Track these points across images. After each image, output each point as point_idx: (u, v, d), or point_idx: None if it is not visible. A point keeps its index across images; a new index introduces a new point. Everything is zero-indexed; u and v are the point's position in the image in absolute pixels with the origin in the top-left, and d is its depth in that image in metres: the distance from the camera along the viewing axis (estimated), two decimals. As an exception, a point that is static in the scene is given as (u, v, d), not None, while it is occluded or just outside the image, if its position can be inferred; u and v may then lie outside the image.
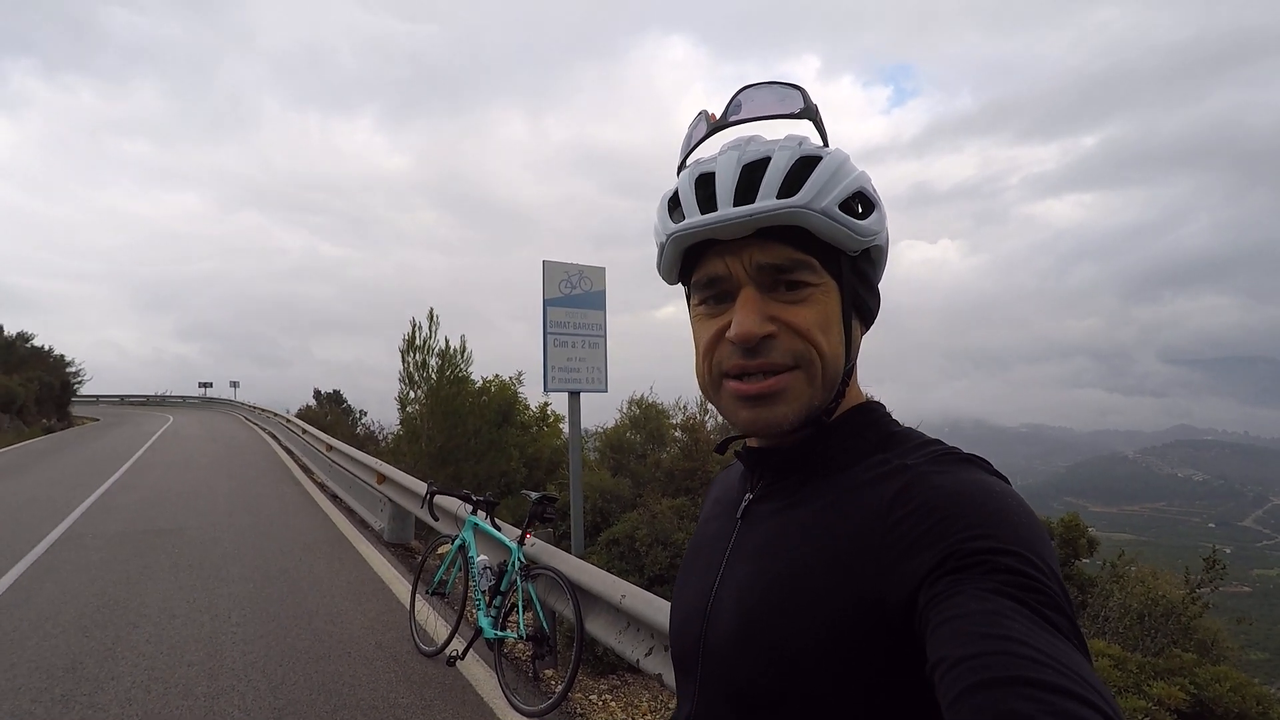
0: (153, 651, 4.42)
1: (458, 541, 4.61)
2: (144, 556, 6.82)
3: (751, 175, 0.69)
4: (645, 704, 4.22)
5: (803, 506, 0.72)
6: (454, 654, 4.27)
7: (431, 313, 12.71)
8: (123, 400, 49.70)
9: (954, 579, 0.56)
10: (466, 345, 12.70)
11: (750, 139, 0.73)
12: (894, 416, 0.78)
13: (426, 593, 4.78)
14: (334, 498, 10.59)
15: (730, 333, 0.69)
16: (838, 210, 0.69)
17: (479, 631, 4.21)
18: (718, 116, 0.76)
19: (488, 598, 4.24)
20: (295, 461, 15.16)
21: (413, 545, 7.90)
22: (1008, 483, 0.67)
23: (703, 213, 0.71)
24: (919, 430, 0.75)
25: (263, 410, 27.26)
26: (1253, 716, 4.55)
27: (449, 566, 4.69)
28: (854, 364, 0.77)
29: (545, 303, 6.13)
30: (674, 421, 11.63)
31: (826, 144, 0.74)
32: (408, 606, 4.98)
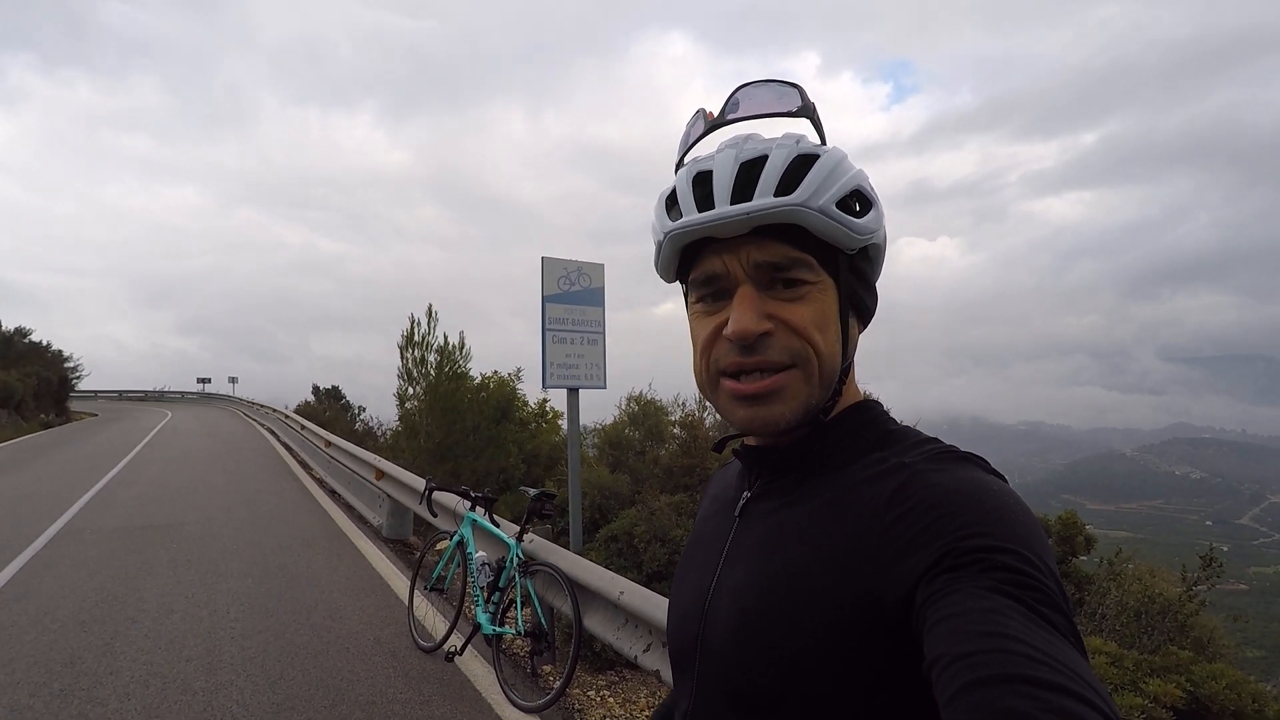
0: (151, 646, 4.42)
1: (456, 537, 4.62)
2: (142, 552, 6.82)
3: (749, 173, 0.70)
4: (643, 700, 4.23)
5: (801, 505, 0.72)
6: (452, 650, 4.28)
7: (430, 309, 12.70)
8: (121, 396, 49.69)
9: (951, 577, 0.56)
10: (465, 342, 12.70)
11: (748, 137, 0.73)
12: (892, 414, 0.78)
13: (425, 588, 4.79)
14: (332, 493, 10.59)
15: (727, 330, 0.69)
16: (835, 208, 0.69)
17: (477, 627, 4.22)
18: (715, 114, 0.76)
19: (486, 594, 4.25)
20: (294, 457, 15.17)
21: (411, 541, 7.91)
22: (1005, 481, 0.67)
23: (700, 211, 0.71)
24: (916, 429, 0.75)
25: (261, 406, 27.27)
26: (1249, 714, 4.57)
27: (447, 562, 4.69)
28: (851, 362, 0.77)
29: (544, 299, 6.12)
30: (672, 418, 11.63)
31: (824, 142, 0.74)
32: (406, 602, 4.98)
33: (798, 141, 0.72)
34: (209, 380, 49.05)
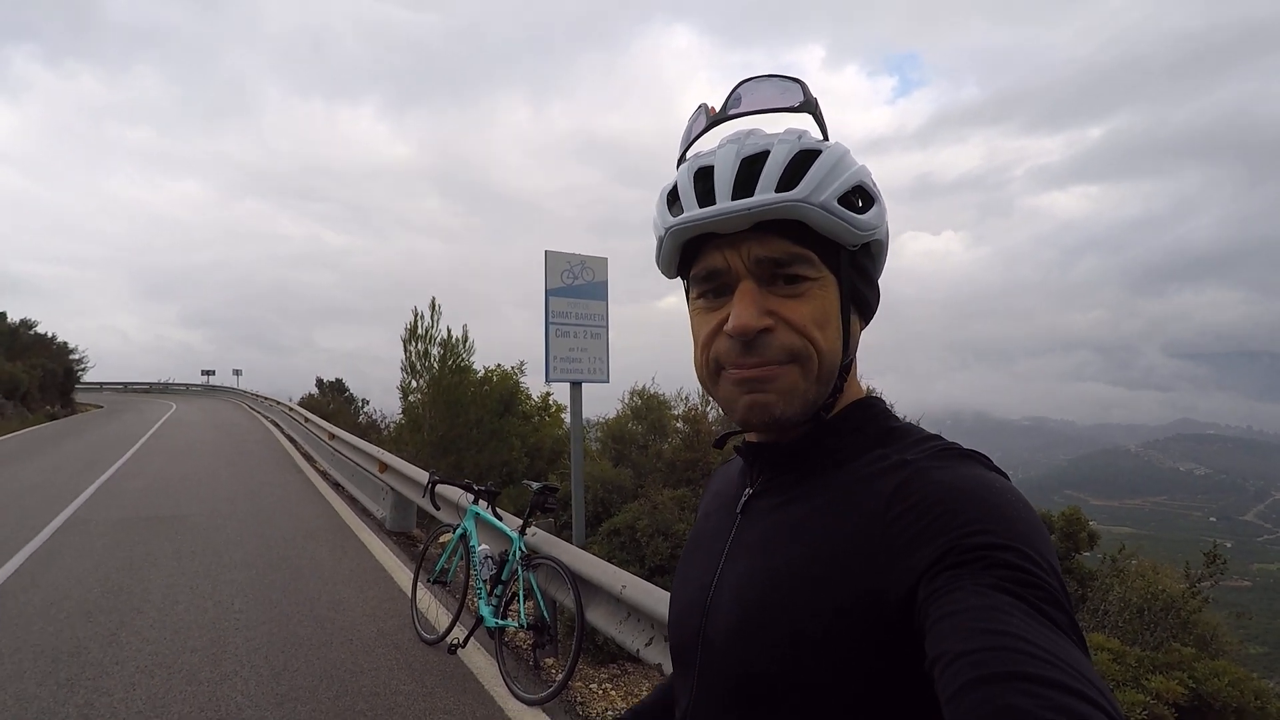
0: (156, 637, 4.45)
1: (459, 530, 4.63)
2: (147, 543, 6.86)
3: (750, 168, 0.69)
4: (645, 693, 4.25)
5: (802, 502, 0.72)
6: (455, 642, 4.30)
7: (434, 302, 12.71)
8: (126, 388, 49.89)
9: (953, 574, 0.56)
10: (469, 335, 12.72)
11: (749, 132, 0.73)
12: (894, 410, 0.77)
13: (428, 581, 4.81)
14: (336, 486, 10.63)
15: (728, 326, 0.69)
16: (836, 204, 0.69)
17: (480, 620, 4.24)
18: (717, 110, 0.76)
19: (489, 586, 4.26)
20: (298, 449, 15.22)
21: (414, 534, 7.94)
22: (1007, 479, 0.67)
23: (701, 206, 0.70)
24: (918, 426, 0.75)
25: (265, 398, 27.36)
26: (1251, 711, 4.57)
27: (450, 555, 4.71)
28: (853, 359, 0.76)
29: (547, 293, 6.12)
30: (676, 412, 11.64)
31: (826, 137, 0.74)
32: (409, 594, 5.00)
33: (800, 137, 0.71)
34: (213, 372, 49.26)
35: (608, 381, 6.49)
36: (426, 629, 4.59)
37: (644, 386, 12.10)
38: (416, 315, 12.66)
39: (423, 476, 6.25)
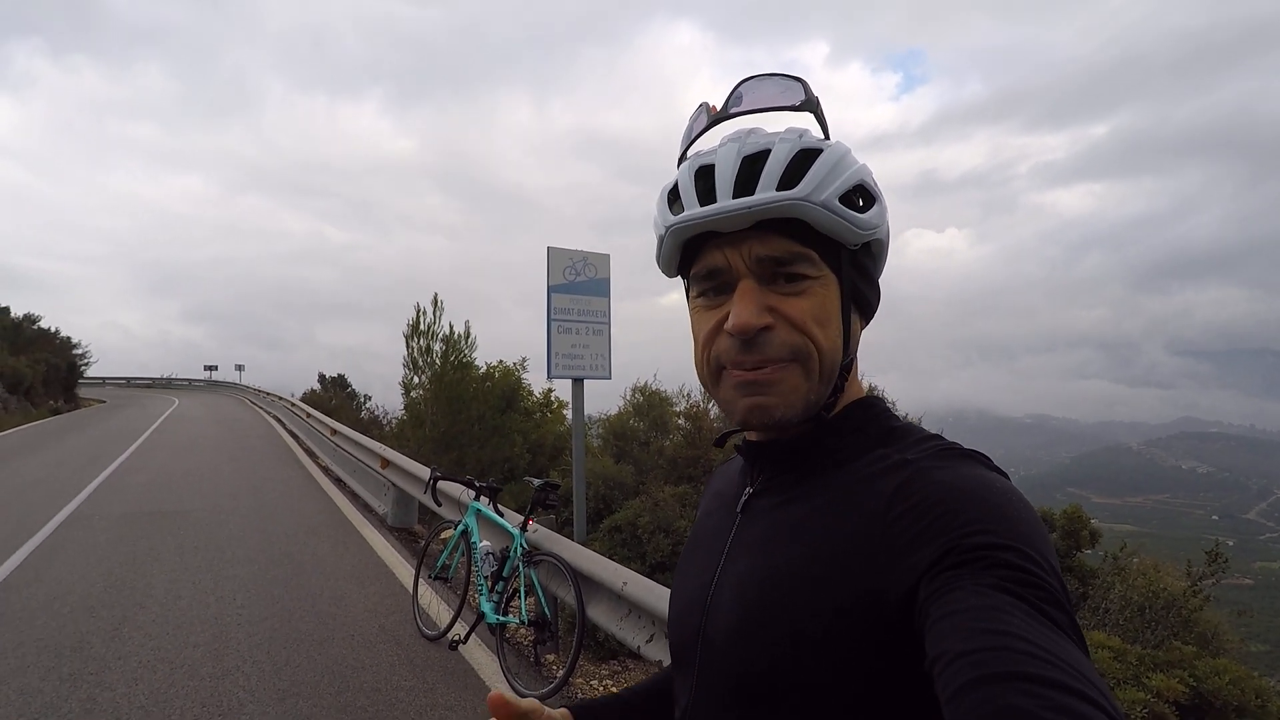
0: (159, 632, 4.47)
1: (460, 527, 4.64)
2: (150, 538, 6.88)
3: (751, 167, 0.69)
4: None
5: (803, 501, 0.72)
6: (456, 638, 4.31)
7: (436, 298, 12.74)
8: (129, 383, 50.00)
9: (953, 574, 0.56)
10: (471, 331, 12.74)
11: (750, 131, 0.73)
12: (896, 409, 0.77)
13: (429, 577, 4.82)
14: (338, 481, 10.65)
15: (728, 324, 0.69)
16: (837, 203, 0.69)
17: (481, 616, 4.25)
18: (718, 108, 0.76)
19: (490, 583, 4.27)
20: (300, 445, 15.25)
21: (416, 530, 7.96)
22: (1007, 479, 0.67)
23: (702, 205, 0.70)
24: (919, 425, 0.75)
25: (267, 394, 27.40)
26: (1251, 709, 4.57)
27: (452, 551, 4.72)
28: (853, 358, 0.76)
29: (549, 289, 6.12)
30: (677, 409, 11.64)
31: (828, 136, 0.74)
32: (411, 590, 5.02)
33: (801, 136, 0.71)
34: (215, 368, 49.34)
35: (609, 378, 6.50)
36: (428, 625, 4.60)
37: (646, 383, 12.10)
38: (419, 311, 12.69)
39: (424, 473, 6.26)
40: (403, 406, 13.55)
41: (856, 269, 0.74)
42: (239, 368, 45.55)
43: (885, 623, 0.60)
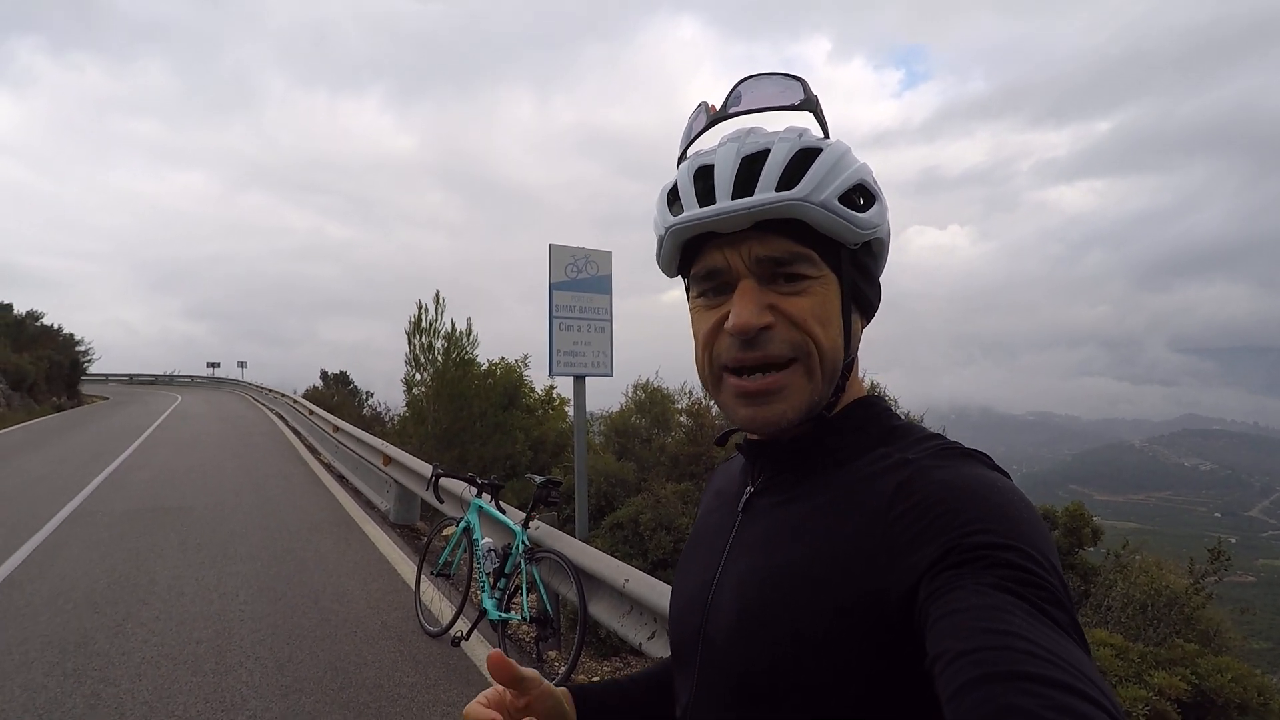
0: (162, 628, 4.48)
1: (462, 524, 4.64)
2: (153, 534, 6.90)
3: (751, 167, 0.69)
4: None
5: (804, 500, 0.72)
6: (458, 634, 4.32)
7: (438, 295, 12.74)
8: (131, 379, 50.11)
9: (954, 573, 0.56)
10: (472, 328, 12.74)
11: (750, 131, 0.73)
12: (898, 407, 0.77)
13: (431, 574, 4.83)
14: (340, 478, 10.67)
15: (728, 324, 0.69)
16: (837, 203, 0.69)
17: (483, 613, 4.25)
18: (718, 108, 0.76)
19: (492, 580, 4.28)
20: (302, 442, 15.27)
21: (418, 526, 7.97)
22: (1008, 478, 0.67)
23: (701, 205, 0.70)
24: (920, 424, 0.75)
25: (270, 391, 27.44)
26: (1254, 707, 4.56)
27: (454, 548, 4.72)
28: (854, 357, 0.76)
29: (551, 286, 6.12)
30: (679, 406, 11.65)
31: (827, 136, 0.74)
32: (413, 587, 5.03)
33: (800, 135, 0.71)
34: (218, 365, 49.44)
35: (611, 375, 6.50)
36: (430, 621, 4.61)
37: (647, 380, 12.11)
38: (421, 308, 12.70)
39: (426, 469, 6.27)
40: (405, 403, 13.56)
41: (857, 268, 0.74)
42: (241, 364, 45.67)
43: (886, 622, 0.60)
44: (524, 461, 12.30)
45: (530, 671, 0.71)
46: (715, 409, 10.56)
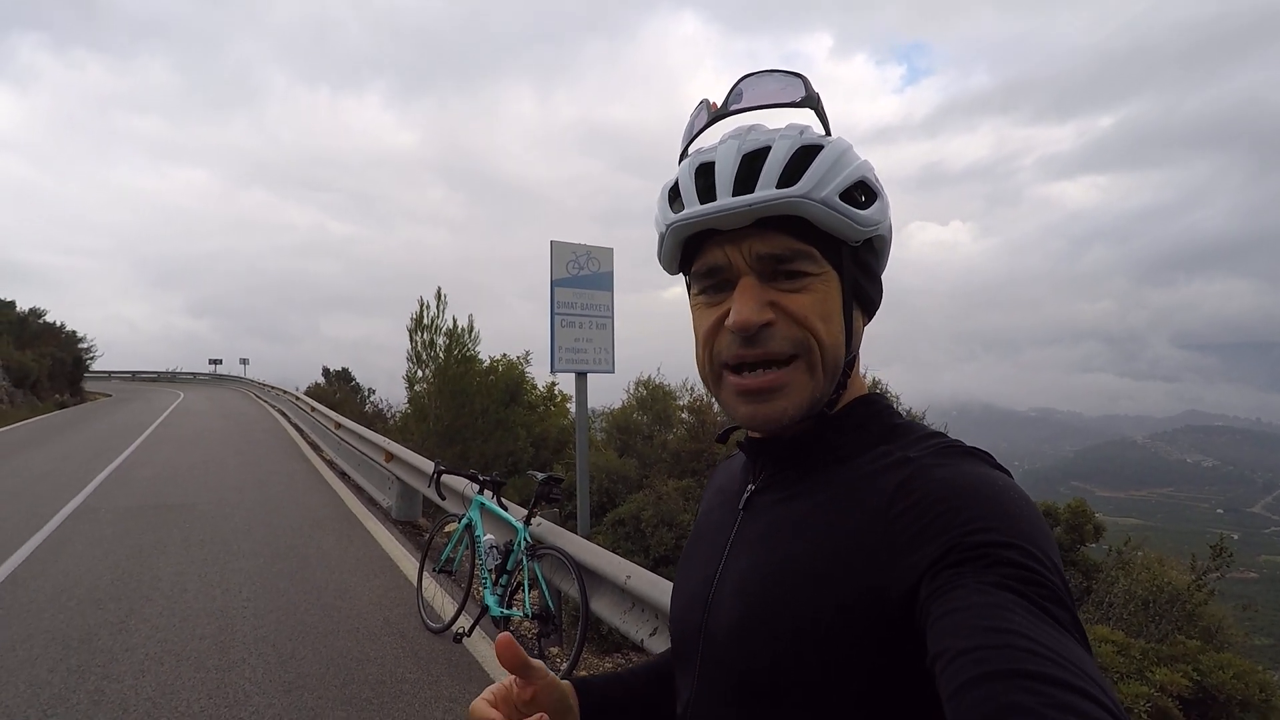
0: (165, 624, 4.50)
1: (464, 520, 4.65)
2: (156, 531, 6.92)
3: (751, 165, 0.69)
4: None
5: (805, 498, 0.72)
6: (460, 631, 4.33)
7: (439, 292, 12.73)
8: (134, 376, 50.22)
9: (955, 572, 0.56)
10: (474, 325, 12.74)
11: (751, 128, 0.73)
12: (900, 403, 0.77)
13: (434, 570, 4.84)
14: (342, 475, 10.69)
15: (729, 321, 0.69)
16: (838, 200, 0.68)
17: (485, 609, 4.26)
18: (719, 105, 0.76)
19: (494, 576, 4.28)
20: (304, 439, 15.30)
21: (420, 523, 7.98)
22: (1010, 476, 0.67)
23: (702, 203, 0.70)
24: (922, 422, 0.75)
25: (272, 387, 27.49)
26: (1255, 703, 4.57)
27: (456, 545, 4.73)
28: (855, 354, 0.76)
29: (553, 283, 6.11)
30: (681, 403, 11.66)
31: (829, 133, 0.74)
32: (415, 584, 5.04)
33: (801, 133, 0.71)
34: (220, 361, 49.54)
35: (613, 372, 6.50)
36: (432, 618, 4.62)
37: (649, 377, 12.13)
38: (422, 305, 12.70)
39: (428, 466, 6.28)
40: (406, 400, 13.57)
41: (858, 265, 0.73)
42: (244, 361, 45.76)
43: (887, 620, 0.60)
44: (526, 458, 12.31)
45: (536, 661, 0.72)
46: (717, 406, 10.56)
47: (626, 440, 11.25)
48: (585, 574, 3.88)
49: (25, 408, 22.08)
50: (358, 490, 9.50)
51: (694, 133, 0.77)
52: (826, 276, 0.70)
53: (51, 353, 28.15)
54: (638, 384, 12.18)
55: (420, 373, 12.72)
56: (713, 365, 0.74)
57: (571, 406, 12.52)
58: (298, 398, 19.76)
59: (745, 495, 0.80)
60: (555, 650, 4.42)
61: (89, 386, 33.63)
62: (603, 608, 3.82)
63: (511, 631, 4.23)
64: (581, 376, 6.34)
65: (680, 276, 0.81)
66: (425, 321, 12.65)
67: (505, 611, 4.14)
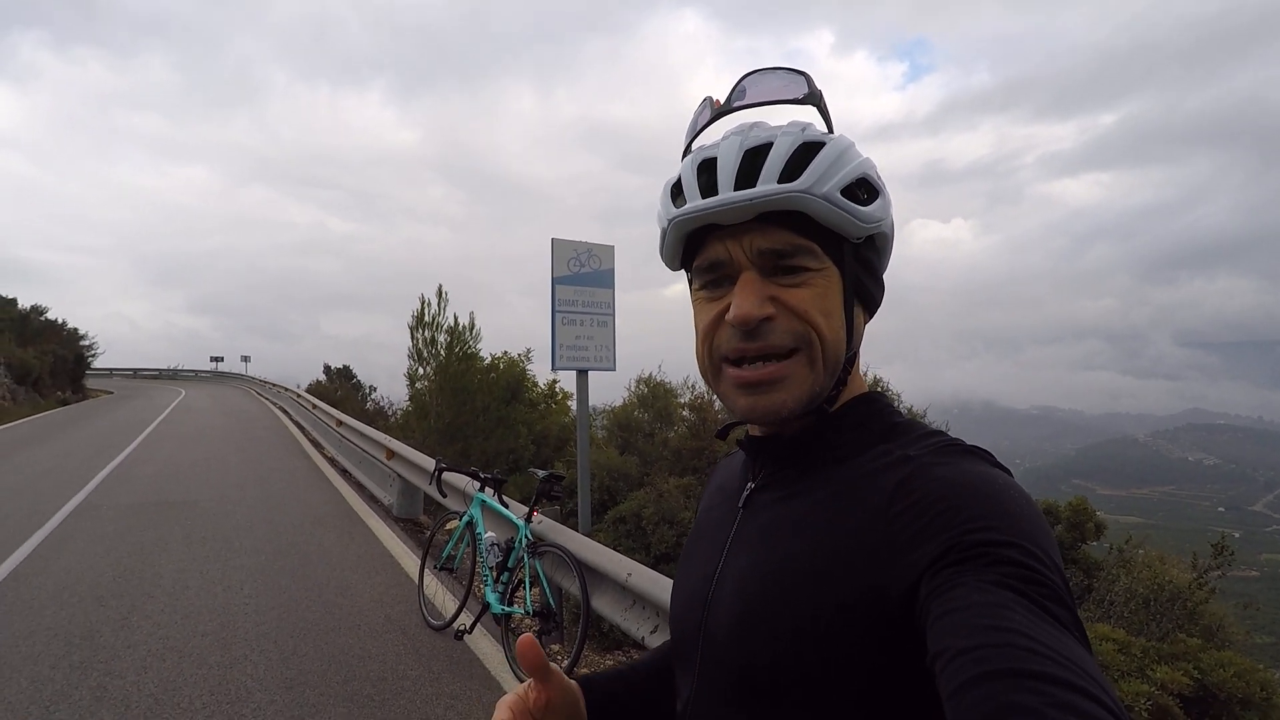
0: (167, 621, 4.51)
1: (465, 518, 4.66)
2: (158, 528, 6.93)
3: (753, 160, 0.69)
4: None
5: (805, 496, 0.72)
6: (461, 628, 4.33)
7: (440, 289, 12.73)
8: (136, 374, 50.27)
9: (956, 571, 0.56)
10: (475, 322, 12.74)
11: (754, 125, 0.73)
12: (900, 401, 0.77)
13: (435, 567, 4.84)
14: (344, 472, 10.70)
15: (729, 315, 0.69)
16: (839, 195, 0.69)
17: (486, 606, 4.27)
18: (722, 102, 0.76)
19: (495, 573, 4.29)
20: (305, 436, 15.32)
21: (421, 520, 7.99)
22: (1010, 475, 0.67)
23: (704, 198, 0.71)
24: (922, 421, 0.75)
25: (273, 385, 27.52)
26: (1256, 702, 4.57)
27: (457, 542, 4.74)
28: (856, 351, 0.76)
29: (554, 280, 6.11)
30: (682, 401, 11.66)
31: (831, 130, 0.74)
32: (416, 581, 5.04)
33: (804, 130, 0.71)
34: (221, 359, 49.59)
35: (614, 369, 6.50)
36: (433, 615, 4.63)
37: (650, 375, 12.13)
38: (423, 303, 12.69)
39: (429, 464, 6.28)
40: (408, 398, 13.58)
41: (860, 262, 0.73)
42: (245, 359, 45.78)
43: (887, 618, 0.60)
44: (527, 456, 12.32)
45: (553, 665, 0.72)
46: (718, 403, 10.56)
47: (627, 438, 11.25)
48: (586, 571, 3.88)
49: (27, 405, 22.11)
50: (359, 487, 9.51)
51: (697, 129, 0.77)
52: (827, 272, 0.71)
53: (53, 350, 28.18)
54: (639, 381, 12.19)
55: (421, 370, 12.73)
56: (712, 359, 0.74)
57: (572, 404, 12.53)
58: (299, 395, 19.78)
59: (745, 493, 0.80)
60: (556, 648, 4.43)
61: (90, 384, 33.67)
62: (604, 605, 3.83)
63: (512, 629, 4.25)
64: (583, 374, 6.34)
65: (682, 274, 0.81)
66: (426, 319, 12.66)
67: (506, 609, 4.15)
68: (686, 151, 0.77)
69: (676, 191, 0.75)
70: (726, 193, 0.69)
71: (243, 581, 5.33)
